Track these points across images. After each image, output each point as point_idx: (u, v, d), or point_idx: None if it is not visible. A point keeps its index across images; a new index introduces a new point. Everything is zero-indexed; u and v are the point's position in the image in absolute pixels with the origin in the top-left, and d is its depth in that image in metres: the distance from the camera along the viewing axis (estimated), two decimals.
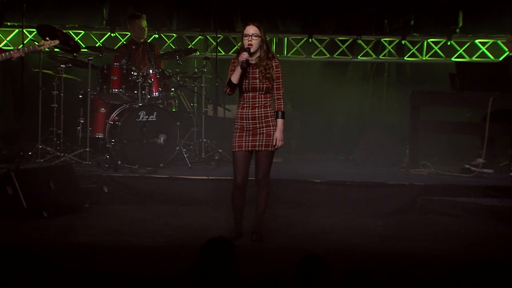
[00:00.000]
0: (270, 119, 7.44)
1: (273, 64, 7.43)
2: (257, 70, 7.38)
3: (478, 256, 7.06)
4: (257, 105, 7.42)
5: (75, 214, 8.64)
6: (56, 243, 7.46)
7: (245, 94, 7.43)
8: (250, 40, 7.35)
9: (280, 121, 7.46)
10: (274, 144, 7.43)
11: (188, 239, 7.63)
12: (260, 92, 7.41)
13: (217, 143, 10.64)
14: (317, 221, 8.59)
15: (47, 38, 9.58)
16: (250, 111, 7.42)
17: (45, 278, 5.83)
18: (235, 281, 4.93)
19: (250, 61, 7.36)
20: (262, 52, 7.42)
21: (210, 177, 9.49)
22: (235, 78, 7.33)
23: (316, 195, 9.26)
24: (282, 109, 7.48)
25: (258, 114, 7.42)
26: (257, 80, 7.37)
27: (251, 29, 7.39)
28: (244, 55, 7.28)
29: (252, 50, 7.35)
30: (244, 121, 7.43)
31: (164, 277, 6.03)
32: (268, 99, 7.45)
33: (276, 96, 7.47)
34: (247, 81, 7.38)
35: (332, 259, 5.32)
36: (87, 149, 10.11)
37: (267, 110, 7.43)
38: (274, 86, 7.44)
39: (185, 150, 10.28)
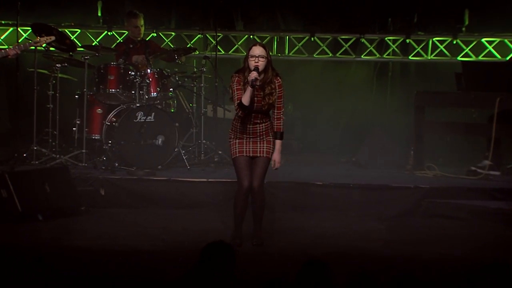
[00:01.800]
0: (270, 129, 7.48)
1: (276, 84, 7.43)
2: (262, 93, 7.37)
3: (484, 260, 7.05)
4: (258, 121, 7.44)
5: (71, 218, 8.64)
6: (51, 247, 7.45)
7: (248, 114, 7.43)
8: (257, 62, 7.32)
9: (278, 143, 7.51)
10: (273, 166, 7.50)
11: (187, 243, 7.63)
12: (262, 113, 7.44)
13: (216, 145, 10.63)
14: (319, 225, 8.59)
15: (43, 35, 9.59)
16: (251, 126, 7.44)
17: (40, 283, 5.83)
18: (235, 285, 4.93)
19: (259, 82, 7.33)
20: (267, 74, 7.39)
21: (209, 179, 9.49)
22: (246, 100, 7.26)
23: (318, 198, 9.26)
24: (282, 130, 7.51)
25: (259, 129, 7.46)
26: (261, 104, 7.39)
27: (257, 50, 7.35)
28: (254, 74, 7.22)
29: (260, 70, 7.33)
30: (244, 135, 7.46)
31: (162, 282, 6.03)
32: (268, 116, 7.49)
33: (276, 115, 7.50)
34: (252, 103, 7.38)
35: (335, 263, 5.31)
36: (83, 151, 10.11)
37: (268, 124, 7.47)
38: (276, 105, 7.46)
39: (184, 151, 10.28)
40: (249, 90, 7.24)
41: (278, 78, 7.45)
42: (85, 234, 8.00)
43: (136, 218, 8.72)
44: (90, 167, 9.98)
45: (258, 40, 12.09)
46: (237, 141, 7.48)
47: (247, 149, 7.46)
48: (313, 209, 9.16)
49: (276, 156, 7.51)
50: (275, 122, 7.52)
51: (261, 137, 7.45)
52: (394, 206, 9.17)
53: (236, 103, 7.35)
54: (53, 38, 9.66)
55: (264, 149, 7.46)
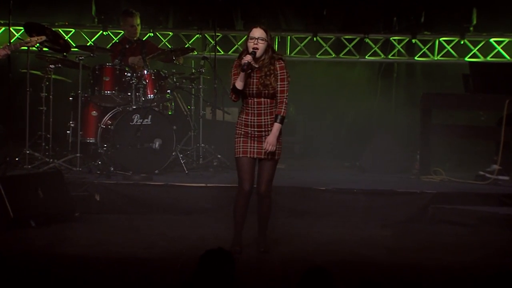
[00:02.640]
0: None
1: (277, 66, 7.36)
2: (260, 75, 7.35)
3: (493, 268, 7.07)
4: (262, 111, 7.38)
5: (64, 224, 8.64)
6: (44, 254, 7.45)
7: (250, 100, 7.37)
8: (256, 44, 7.29)
9: (277, 126, 7.34)
10: (264, 147, 7.38)
11: (185, 251, 7.63)
12: (265, 98, 7.37)
13: (215, 148, 10.64)
14: (321, 231, 8.59)
15: (34, 34, 9.61)
16: (256, 118, 7.38)
17: None
18: None
19: (253, 65, 7.29)
20: (266, 57, 7.35)
21: (208, 184, 9.49)
22: (239, 84, 7.25)
23: (320, 203, 9.27)
24: (282, 114, 7.35)
25: (264, 121, 7.39)
26: (260, 86, 7.34)
27: (257, 32, 7.31)
28: (247, 57, 7.20)
29: (257, 54, 7.31)
30: (249, 128, 7.39)
31: None
32: (274, 105, 7.41)
33: (279, 98, 7.36)
34: (251, 86, 7.33)
35: (338, 271, 5.33)
36: (78, 155, 10.11)
37: (273, 117, 7.38)
38: (278, 88, 7.39)
39: (181, 155, 10.29)
40: (241, 75, 7.23)
41: (281, 61, 7.40)
42: (80, 241, 8.00)
43: (133, 225, 8.72)
44: (85, 171, 9.99)
45: None
46: (241, 138, 7.41)
47: (252, 150, 7.39)
48: (316, 215, 9.16)
49: (270, 138, 7.31)
50: (277, 105, 7.37)
51: (266, 132, 7.36)
52: (399, 212, 9.17)
53: (230, 89, 7.34)
54: (44, 37, 9.68)
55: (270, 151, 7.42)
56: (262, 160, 7.42)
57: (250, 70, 7.25)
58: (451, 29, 12.48)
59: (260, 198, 7.49)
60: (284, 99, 7.38)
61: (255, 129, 7.38)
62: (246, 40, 7.37)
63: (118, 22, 11.68)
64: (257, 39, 7.28)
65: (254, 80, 7.33)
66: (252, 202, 7.62)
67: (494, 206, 9.17)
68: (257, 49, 7.26)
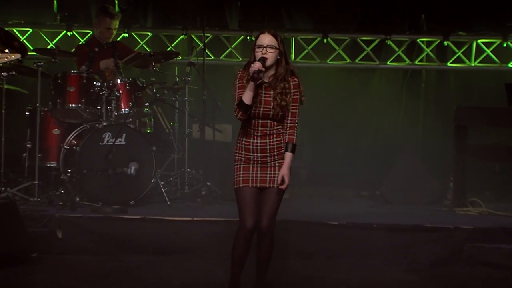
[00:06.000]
0: (283, 149, 7.42)
1: (291, 84, 7.42)
2: (271, 93, 7.36)
3: None
4: (268, 133, 7.41)
5: (19, 267, 8.64)
6: None
7: (253, 121, 7.40)
8: (265, 53, 7.32)
9: (289, 155, 7.41)
10: (279, 182, 7.41)
11: None
12: (272, 121, 7.41)
13: (204, 174, 10.65)
14: (334, 276, 8.60)
15: None
16: (259, 141, 7.40)
17: None
18: None
19: (263, 79, 7.30)
20: (280, 69, 7.37)
21: (195, 218, 9.50)
22: (247, 98, 7.23)
23: (333, 241, 9.28)
24: (294, 141, 7.45)
25: (270, 145, 7.41)
26: (271, 106, 7.36)
27: (265, 39, 7.34)
28: (256, 65, 7.20)
29: (267, 63, 7.33)
30: (251, 154, 7.40)
31: None
32: (281, 126, 7.45)
33: (290, 123, 7.45)
34: (258, 105, 7.34)
35: None
36: (36, 182, 10.13)
37: (280, 140, 7.43)
38: (290, 110, 7.42)
39: (163, 183, 10.30)
40: (249, 86, 7.23)
41: (294, 77, 7.44)
42: (37, 287, 8.00)
43: (102, 268, 8.73)
44: (45, 202, 10.00)
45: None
46: (242, 165, 7.42)
47: (254, 178, 7.40)
48: (327, 255, 9.18)
49: (284, 170, 7.38)
50: (288, 131, 7.43)
51: (272, 158, 7.40)
52: (428, 252, 9.19)
53: (235, 103, 7.32)
54: None
55: (276, 178, 7.43)
56: (265, 190, 7.43)
57: (260, 81, 7.27)
58: (491, 29, 12.53)
59: (260, 236, 7.49)
60: (296, 124, 7.46)
61: (259, 155, 7.40)
62: (253, 49, 7.39)
63: (86, 20, 11.70)
64: (266, 47, 7.30)
65: (263, 99, 7.34)
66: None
67: None
68: (266, 58, 7.28)
